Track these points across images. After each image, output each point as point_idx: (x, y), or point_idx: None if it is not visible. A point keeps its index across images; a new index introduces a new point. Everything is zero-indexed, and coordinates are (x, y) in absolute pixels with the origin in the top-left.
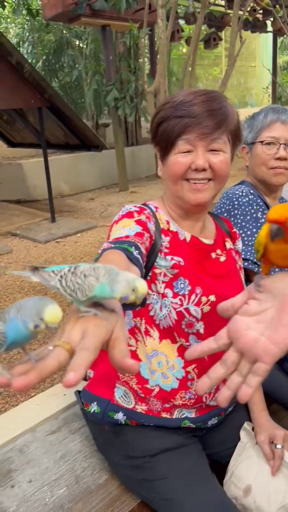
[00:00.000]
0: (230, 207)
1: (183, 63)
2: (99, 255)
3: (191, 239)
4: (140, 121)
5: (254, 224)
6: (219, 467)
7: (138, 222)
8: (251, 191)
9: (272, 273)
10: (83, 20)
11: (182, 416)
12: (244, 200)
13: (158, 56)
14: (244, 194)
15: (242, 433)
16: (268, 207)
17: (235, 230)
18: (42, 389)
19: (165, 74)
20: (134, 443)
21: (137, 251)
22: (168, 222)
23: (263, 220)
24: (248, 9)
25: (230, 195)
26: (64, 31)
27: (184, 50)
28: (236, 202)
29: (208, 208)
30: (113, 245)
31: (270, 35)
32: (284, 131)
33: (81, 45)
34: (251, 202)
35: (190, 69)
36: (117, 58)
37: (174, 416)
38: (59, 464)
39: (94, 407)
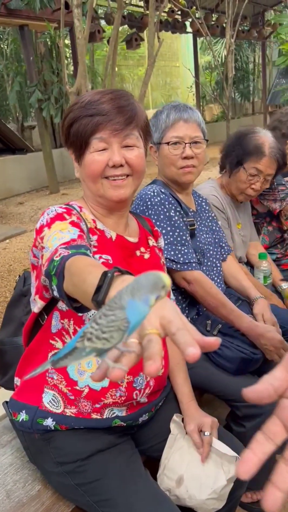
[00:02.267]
0: (144, 207)
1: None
2: (59, 263)
3: (117, 238)
4: None
5: (168, 222)
6: (153, 462)
7: (73, 223)
8: (162, 190)
9: None
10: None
11: (113, 416)
12: (156, 200)
13: (78, 57)
14: (155, 193)
15: (172, 425)
16: (180, 204)
17: (156, 228)
18: None
19: (86, 74)
20: (65, 448)
21: (91, 255)
22: (94, 221)
23: (176, 218)
24: (166, 10)
25: (143, 196)
26: None
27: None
28: (149, 203)
29: (129, 203)
30: (70, 251)
31: (191, 36)
32: (188, 129)
33: (1, 45)
34: (162, 201)
35: (110, 68)
36: (39, 59)
37: (104, 416)
38: None
39: (22, 416)
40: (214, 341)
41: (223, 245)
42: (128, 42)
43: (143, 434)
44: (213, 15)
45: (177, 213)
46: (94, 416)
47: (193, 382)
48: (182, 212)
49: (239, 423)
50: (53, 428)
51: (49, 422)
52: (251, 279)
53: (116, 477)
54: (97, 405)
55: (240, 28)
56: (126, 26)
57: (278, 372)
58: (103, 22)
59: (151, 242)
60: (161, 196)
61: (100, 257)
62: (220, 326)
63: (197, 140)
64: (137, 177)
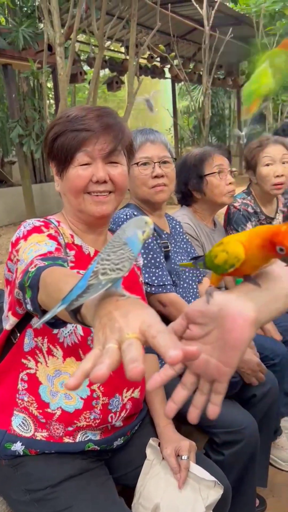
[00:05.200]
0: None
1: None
2: (34, 274)
3: (95, 254)
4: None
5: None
6: (129, 491)
7: (50, 236)
8: (135, 213)
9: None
10: None
11: (86, 439)
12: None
13: (60, 93)
14: (128, 216)
15: (148, 450)
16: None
17: None
18: None
19: None
20: (35, 474)
21: (68, 267)
22: (72, 236)
23: (149, 240)
24: (146, 56)
25: (116, 219)
26: None
27: None
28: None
29: (109, 220)
30: (46, 262)
31: (169, 81)
32: (155, 150)
33: None
34: None
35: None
36: (21, 97)
37: (77, 440)
38: None
39: None
40: (195, 350)
41: None
42: (109, 85)
43: (118, 460)
44: (190, 63)
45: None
46: (66, 439)
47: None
48: (155, 235)
49: (217, 451)
50: (22, 453)
51: (17, 447)
52: None
53: (89, 505)
54: (70, 428)
55: (216, 76)
56: (107, 70)
57: (177, 319)
58: (85, 67)
59: None
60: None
61: (78, 272)
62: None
63: (165, 160)
64: (120, 194)
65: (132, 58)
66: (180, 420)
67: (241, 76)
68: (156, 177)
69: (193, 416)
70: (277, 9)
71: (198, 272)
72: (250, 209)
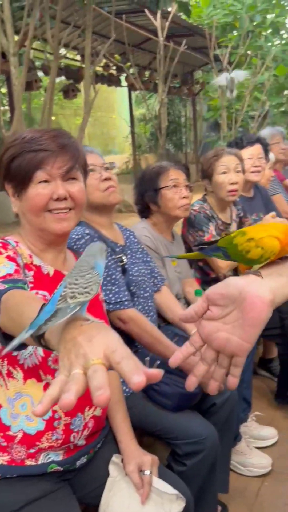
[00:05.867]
0: None
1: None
2: None
3: (54, 273)
4: None
5: None
6: (92, 510)
7: (9, 258)
8: (87, 231)
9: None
10: None
11: (48, 460)
12: (81, 242)
13: (15, 102)
14: (80, 236)
15: (111, 467)
16: (106, 242)
17: None
18: None
19: (22, 119)
20: None
21: (28, 290)
22: (30, 256)
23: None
24: (102, 64)
25: (69, 241)
26: None
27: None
28: (74, 247)
29: (68, 237)
30: (6, 285)
31: (126, 89)
32: (95, 158)
33: None
34: (88, 242)
35: (47, 116)
36: None
37: (39, 462)
38: None
39: None
40: (157, 372)
41: (156, 275)
42: (65, 92)
43: (81, 479)
44: (146, 72)
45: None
46: (28, 462)
47: (132, 422)
48: (109, 251)
49: (180, 462)
50: None
51: None
52: None
53: None
54: (32, 450)
55: (171, 85)
56: (63, 77)
57: (198, 302)
58: (40, 73)
59: None
60: (86, 238)
61: (37, 293)
62: (158, 362)
63: (106, 166)
64: (79, 211)
65: (88, 68)
66: (142, 432)
67: (196, 85)
68: (105, 179)
69: (213, 387)
70: (228, 22)
71: (155, 280)
72: (209, 213)
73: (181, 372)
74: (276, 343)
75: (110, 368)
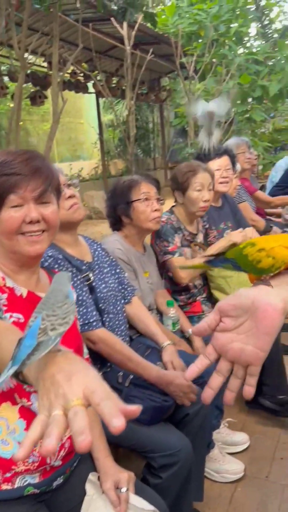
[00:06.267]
0: None
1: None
2: None
3: (28, 294)
4: None
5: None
6: None
7: None
8: (49, 254)
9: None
10: None
11: (25, 484)
12: (44, 265)
13: None
14: (43, 260)
15: (88, 486)
16: (71, 261)
17: None
18: None
19: None
20: None
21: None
22: (3, 278)
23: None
24: (70, 71)
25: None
26: None
27: (12, 106)
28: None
29: (41, 258)
30: None
31: (94, 96)
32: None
33: None
34: (51, 265)
35: (15, 124)
36: None
37: (16, 485)
38: None
39: None
40: (135, 409)
41: (126, 287)
42: (32, 99)
43: (58, 499)
44: (113, 78)
45: (64, 268)
46: (4, 487)
47: (107, 437)
48: (74, 271)
49: (155, 475)
50: None
51: None
52: (160, 327)
53: None
54: (8, 474)
55: (139, 91)
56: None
57: (211, 315)
58: (6, 79)
59: None
60: (49, 261)
61: (11, 316)
62: (131, 377)
63: (68, 183)
64: (52, 233)
65: (55, 76)
66: (118, 444)
67: (163, 92)
68: (69, 197)
69: (229, 398)
70: (193, 30)
71: (126, 292)
72: (175, 224)
73: (154, 386)
74: None
75: (89, 406)
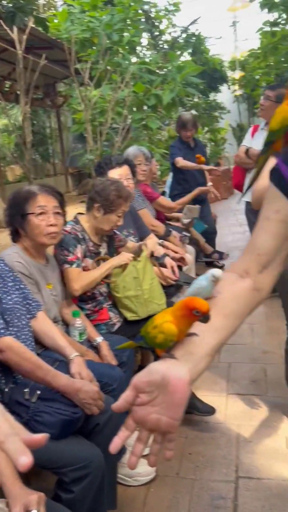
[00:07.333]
0: None
1: None
2: None
3: None
4: None
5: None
6: None
7: None
8: None
9: None
10: None
11: None
12: None
13: None
14: None
15: None
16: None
17: None
18: None
19: None
20: None
21: None
22: None
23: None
24: None
25: None
26: None
27: None
28: None
29: None
30: None
31: None
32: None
33: None
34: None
35: None
36: None
37: None
38: None
39: None
40: (41, 437)
41: (30, 302)
42: None
43: None
44: (6, 82)
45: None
46: None
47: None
48: None
49: (67, 490)
50: None
51: None
52: (67, 338)
53: None
54: None
55: (34, 96)
56: None
57: (127, 391)
58: None
59: None
60: None
61: None
62: (39, 392)
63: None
64: None
65: None
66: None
67: (59, 97)
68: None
69: (152, 461)
70: (86, 37)
71: (30, 307)
72: (79, 235)
73: (62, 399)
74: (151, 351)
75: None
